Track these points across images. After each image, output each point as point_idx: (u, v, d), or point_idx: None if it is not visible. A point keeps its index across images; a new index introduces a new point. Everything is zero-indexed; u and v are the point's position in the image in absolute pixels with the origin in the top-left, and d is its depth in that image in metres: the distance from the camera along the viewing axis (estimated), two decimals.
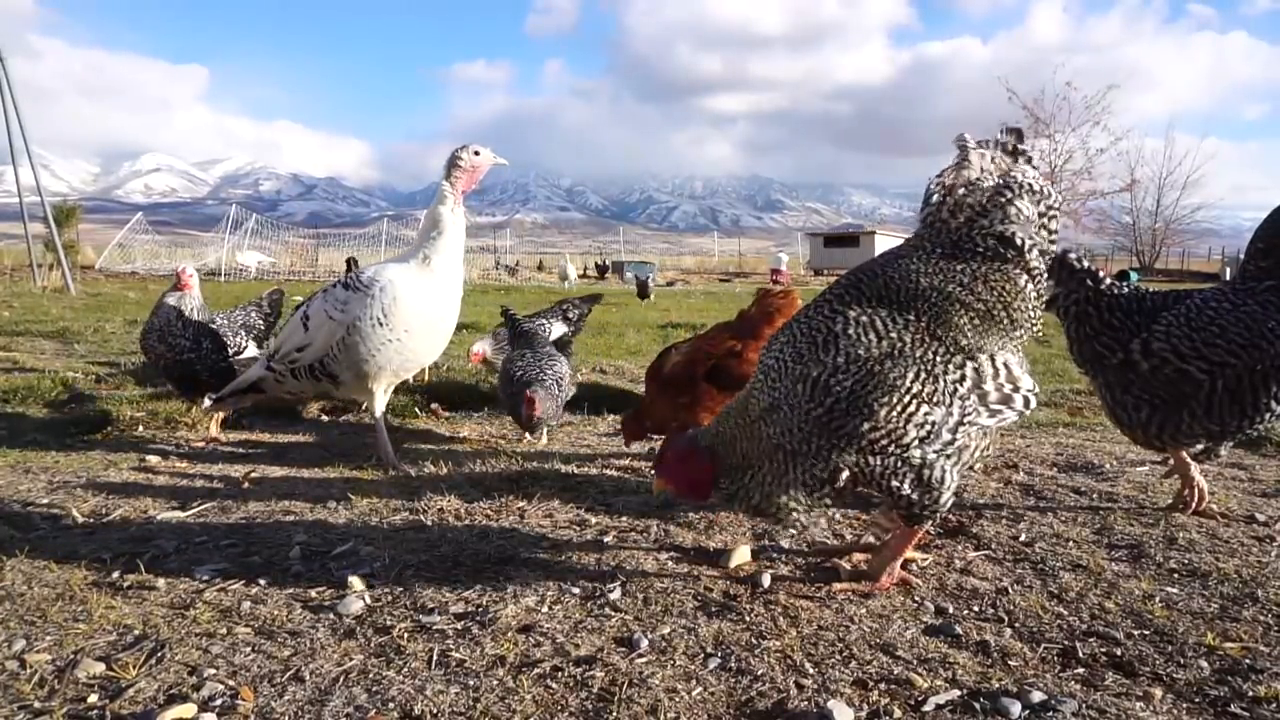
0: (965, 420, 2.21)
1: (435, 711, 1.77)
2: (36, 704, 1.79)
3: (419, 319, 3.79)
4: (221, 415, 4.51)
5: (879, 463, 2.22)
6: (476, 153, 3.86)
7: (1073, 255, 3.13)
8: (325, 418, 5.12)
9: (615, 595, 2.35)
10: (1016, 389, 2.27)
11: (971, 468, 2.34)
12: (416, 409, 5.11)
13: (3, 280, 17.14)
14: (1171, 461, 3.18)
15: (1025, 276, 2.27)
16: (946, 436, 2.20)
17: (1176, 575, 2.52)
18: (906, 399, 2.16)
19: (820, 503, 2.37)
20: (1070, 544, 2.78)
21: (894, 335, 2.21)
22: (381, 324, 3.70)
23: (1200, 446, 3.01)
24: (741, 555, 2.62)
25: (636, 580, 2.46)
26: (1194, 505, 3.06)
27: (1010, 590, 2.41)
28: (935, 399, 2.18)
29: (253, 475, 3.67)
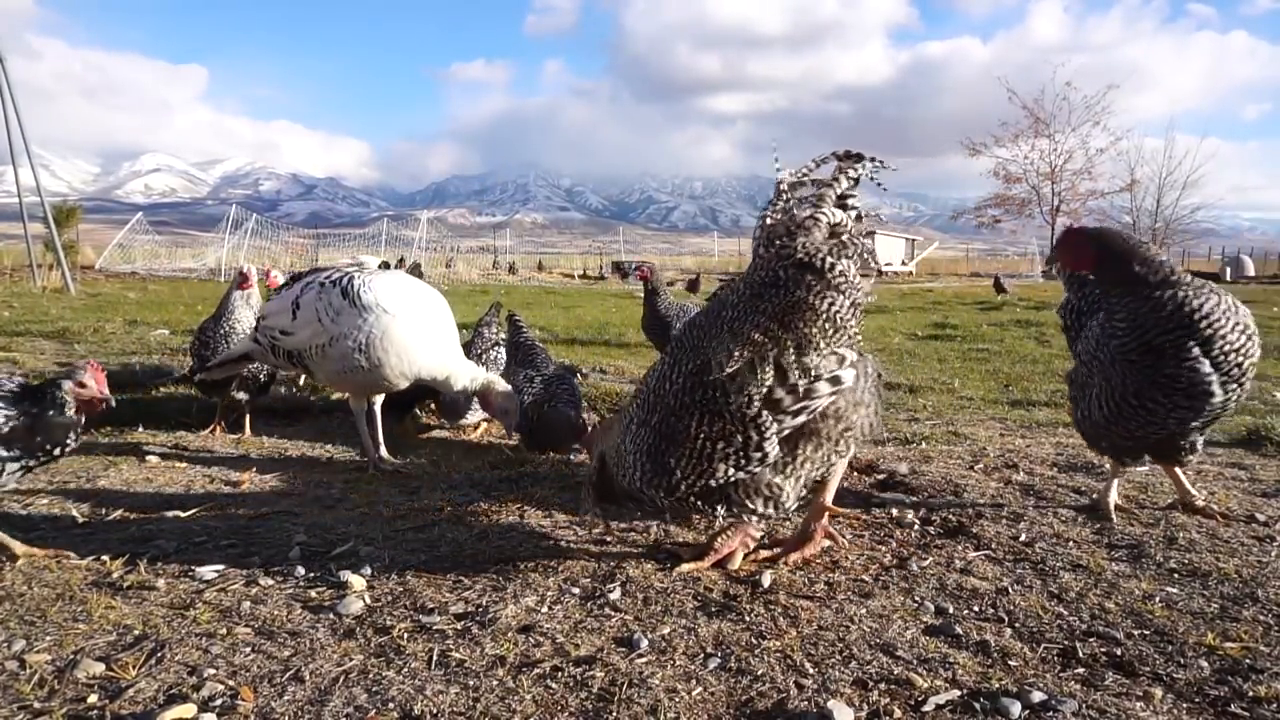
0: (768, 433, 2.26)
1: (435, 711, 1.77)
2: (36, 704, 1.79)
3: (395, 362, 3.70)
4: (224, 408, 4.54)
5: (693, 502, 2.39)
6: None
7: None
8: (325, 417, 5.12)
9: (615, 595, 2.35)
10: (817, 378, 2.27)
11: (832, 456, 2.43)
12: (416, 409, 5.11)
13: (2, 280, 17.15)
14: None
15: (832, 295, 2.25)
16: (757, 455, 2.28)
17: (1176, 575, 2.52)
18: (697, 444, 2.28)
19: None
20: (1070, 544, 2.78)
21: (680, 384, 2.31)
22: (361, 351, 3.63)
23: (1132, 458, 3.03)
24: (740, 555, 2.62)
25: (636, 580, 2.46)
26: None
27: (1010, 590, 2.41)
28: (728, 433, 2.26)
29: (253, 475, 3.67)
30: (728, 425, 2.26)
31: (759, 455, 2.28)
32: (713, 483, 2.32)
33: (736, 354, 2.23)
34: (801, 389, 2.25)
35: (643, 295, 6.68)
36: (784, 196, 2.39)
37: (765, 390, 2.23)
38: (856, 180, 2.40)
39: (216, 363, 4.23)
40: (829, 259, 2.24)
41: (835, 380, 2.29)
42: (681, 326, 2.52)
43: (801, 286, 2.24)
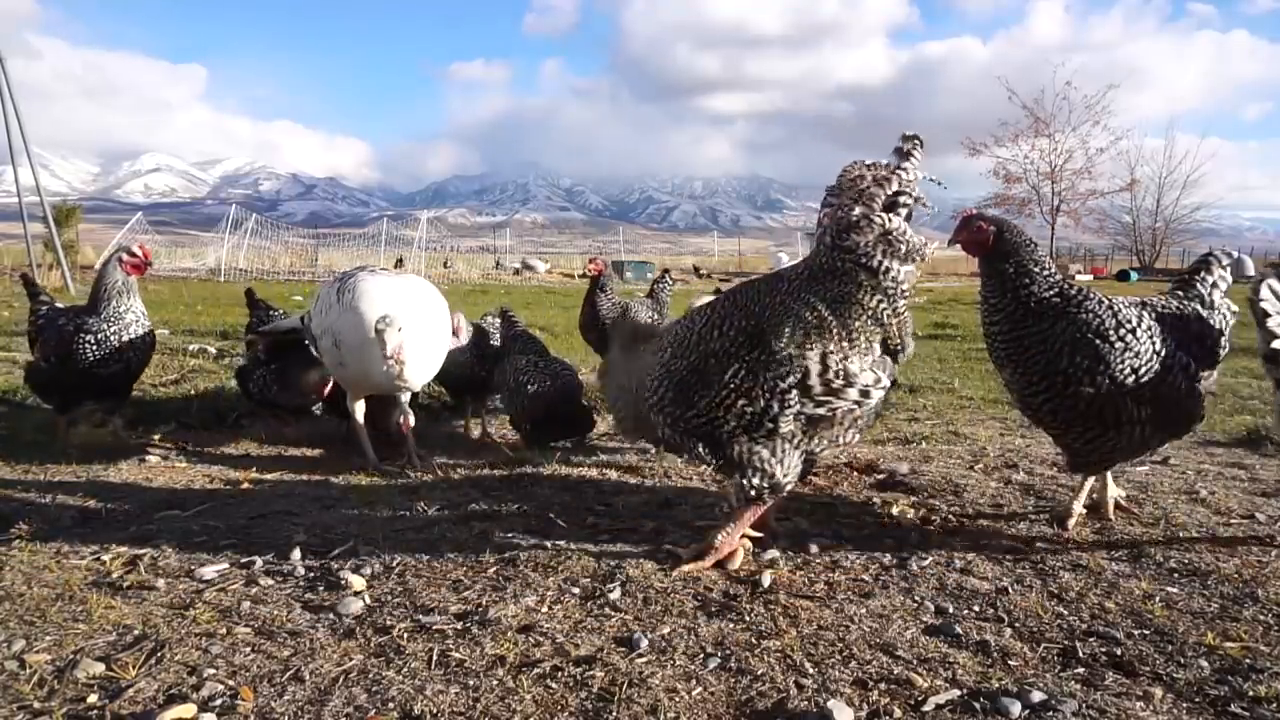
0: (787, 410, 2.39)
1: (435, 711, 1.77)
2: (36, 704, 1.79)
3: (359, 367, 3.70)
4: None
5: (691, 441, 2.52)
6: None
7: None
8: (325, 418, 5.12)
9: (615, 595, 2.35)
10: (850, 384, 2.40)
11: (816, 451, 2.56)
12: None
13: (2, 280, 17.14)
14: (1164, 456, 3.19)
15: (878, 296, 2.41)
16: (769, 425, 2.40)
17: (1176, 575, 2.52)
18: (724, 393, 2.41)
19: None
20: (1070, 544, 2.78)
21: (730, 336, 2.44)
22: (335, 348, 3.72)
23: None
24: (741, 555, 2.62)
25: (636, 580, 2.46)
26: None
27: (1010, 590, 2.41)
28: (754, 394, 2.39)
29: (253, 475, 3.67)
30: (757, 388, 2.38)
31: (770, 425, 2.41)
32: (719, 432, 2.45)
33: (790, 331, 2.38)
34: (835, 386, 2.39)
35: (589, 291, 5.39)
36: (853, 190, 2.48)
37: (802, 373, 2.36)
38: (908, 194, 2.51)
39: (269, 329, 4.49)
40: (883, 260, 2.37)
41: (865, 393, 2.42)
42: (736, 286, 2.66)
43: (854, 283, 2.39)
